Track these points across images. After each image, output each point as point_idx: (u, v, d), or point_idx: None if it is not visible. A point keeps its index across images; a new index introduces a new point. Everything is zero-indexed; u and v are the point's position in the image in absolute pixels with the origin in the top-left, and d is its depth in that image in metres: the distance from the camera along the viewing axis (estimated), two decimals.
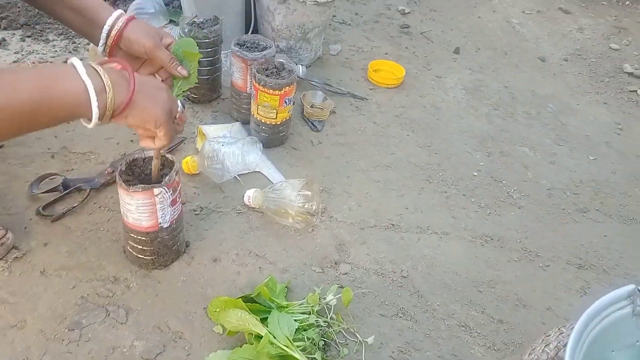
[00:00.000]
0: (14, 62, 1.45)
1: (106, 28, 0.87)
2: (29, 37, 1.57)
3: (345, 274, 1.02)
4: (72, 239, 0.99)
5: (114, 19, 0.87)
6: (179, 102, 0.83)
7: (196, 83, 0.92)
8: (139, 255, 0.94)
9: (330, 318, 0.91)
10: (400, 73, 1.63)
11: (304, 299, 0.93)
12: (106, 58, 0.80)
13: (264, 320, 0.85)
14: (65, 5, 0.90)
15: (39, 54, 1.50)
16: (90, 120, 0.69)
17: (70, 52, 1.53)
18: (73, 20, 0.91)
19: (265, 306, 0.89)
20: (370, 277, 1.02)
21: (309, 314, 0.90)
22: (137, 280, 0.94)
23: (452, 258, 1.09)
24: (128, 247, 0.94)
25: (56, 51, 1.53)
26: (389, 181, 1.26)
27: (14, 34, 1.58)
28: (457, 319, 0.97)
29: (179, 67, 0.89)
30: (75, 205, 1.04)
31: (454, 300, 1.00)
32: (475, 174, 1.33)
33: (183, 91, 0.92)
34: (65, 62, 0.70)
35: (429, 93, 1.63)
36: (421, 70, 1.74)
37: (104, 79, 0.67)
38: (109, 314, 0.88)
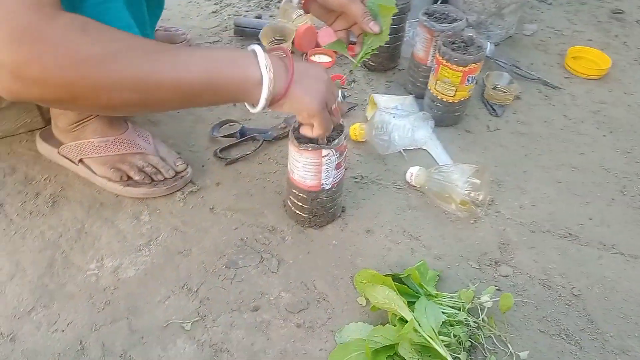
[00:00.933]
0: (213, 12, 1.57)
1: None
2: None
3: (506, 276, 0.92)
4: (241, 183, 1.04)
5: None
6: (339, 92, 0.81)
7: (387, 41, 0.89)
8: (297, 212, 0.95)
9: (481, 320, 0.83)
10: (605, 64, 1.41)
11: (455, 292, 0.86)
12: (273, 45, 0.80)
13: (410, 305, 0.80)
14: None
15: (234, 7, 1.60)
16: (253, 106, 0.73)
17: (262, 8, 1.61)
18: None
19: (413, 290, 0.85)
20: (534, 286, 0.91)
21: (459, 310, 0.83)
22: (293, 234, 0.96)
23: (639, 287, 0.92)
24: (288, 202, 0.96)
25: (250, 5, 1.61)
26: (573, 184, 1.11)
27: None
28: (634, 357, 0.82)
29: (371, 23, 0.86)
30: (248, 153, 1.09)
31: (632, 334, 0.85)
32: None
33: (373, 49, 0.88)
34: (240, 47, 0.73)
35: (638, 91, 1.39)
36: (631, 64, 1.49)
37: (267, 68, 0.70)
38: (262, 261, 0.91)
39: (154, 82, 0.65)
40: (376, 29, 0.86)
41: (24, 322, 0.80)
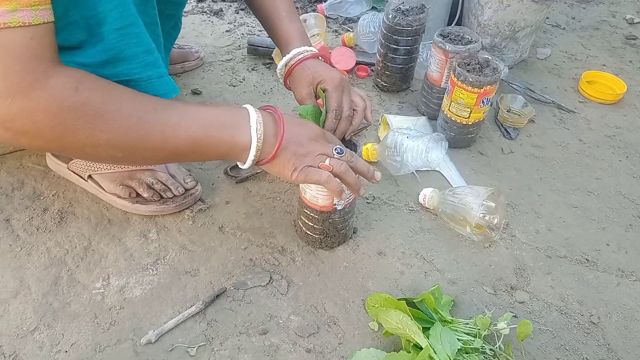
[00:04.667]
0: (226, 31, 1.57)
1: (279, 69, 0.95)
2: (242, 10, 1.69)
3: (522, 302, 0.89)
4: (251, 202, 1.03)
5: (286, 60, 0.93)
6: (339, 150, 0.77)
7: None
8: (308, 232, 0.93)
9: (498, 347, 0.80)
10: (620, 89, 1.40)
11: (471, 318, 0.83)
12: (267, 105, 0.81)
13: (424, 331, 0.77)
14: (266, 25, 0.99)
15: (248, 26, 1.61)
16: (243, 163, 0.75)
17: None
18: (270, 37, 1.00)
19: (427, 315, 0.82)
20: (552, 313, 0.88)
21: (475, 336, 0.80)
22: (303, 255, 0.94)
23: None
24: (299, 222, 0.94)
25: None
26: (589, 209, 1.08)
27: (230, 5, 1.71)
28: None
29: None
30: (259, 171, 1.08)
31: None
32: None
33: None
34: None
35: None
36: None
37: (257, 132, 0.71)
38: (272, 282, 0.89)
39: (141, 144, 0.67)
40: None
41: (27, 342, 0.78)
